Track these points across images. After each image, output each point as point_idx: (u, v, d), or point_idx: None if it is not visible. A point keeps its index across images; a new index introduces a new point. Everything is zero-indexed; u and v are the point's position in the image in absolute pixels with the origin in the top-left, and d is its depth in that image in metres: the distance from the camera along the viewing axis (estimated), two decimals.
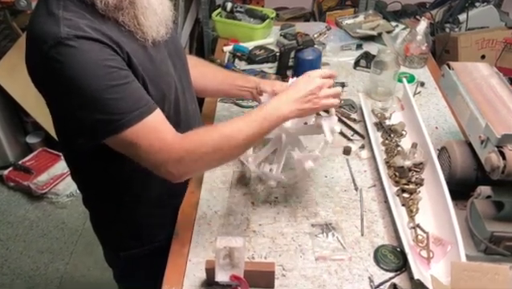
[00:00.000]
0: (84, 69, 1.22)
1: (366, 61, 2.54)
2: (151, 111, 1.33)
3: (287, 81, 2.32)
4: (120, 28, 1.34)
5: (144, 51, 1.39)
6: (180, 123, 1.61)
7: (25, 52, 1.33)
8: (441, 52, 3.88)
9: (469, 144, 1.64)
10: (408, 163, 1.78)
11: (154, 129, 1.34)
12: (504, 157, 1.41)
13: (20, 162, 3.91)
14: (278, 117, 1.47)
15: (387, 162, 1.86)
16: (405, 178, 1.76)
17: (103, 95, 1.25)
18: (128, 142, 1.32)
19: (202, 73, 1.90)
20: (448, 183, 1.61)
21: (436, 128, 2.11)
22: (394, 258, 1.51)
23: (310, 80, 1.53)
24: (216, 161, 1.47)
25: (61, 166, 3.85)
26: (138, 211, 1.66)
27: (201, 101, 2.11)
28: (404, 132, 2.01)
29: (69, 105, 1.29)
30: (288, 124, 1.70)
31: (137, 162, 1.38)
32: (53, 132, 1.45)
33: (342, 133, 2.05)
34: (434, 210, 1.64)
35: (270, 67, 2.59)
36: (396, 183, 1.77)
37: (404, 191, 1.73)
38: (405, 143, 1.94)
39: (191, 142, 1.40)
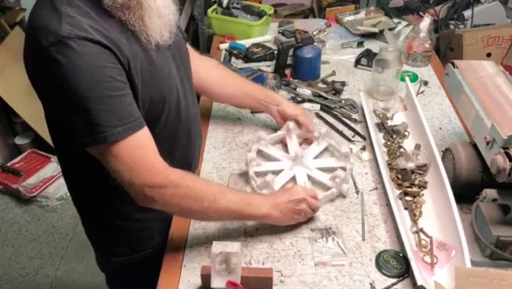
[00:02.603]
0: (80, 73, 1.23)
1: (367, 59, 2.54)
2: (137, 129, 1.35)
3: (286, 80, 2.34)
4: (123, 28, 1.35)
5: (145, 53, 1.40)
6: (180, 126, 1.62)
7: (23, 46, 1.33)
8: (445, 50, 3.88)
9: (475, 146, 1.64)
10: (410, 165, 1.78)
11: (139, 147, 1.36)
12: (510, 159, 1.41)
13: (8, 164, 3.91)
14: (258, 211, 1.53)
15: (389, 164, 1.85)
16: (408, 181, 1.76)
17: (92, 104, 1.26)
18: (110, 156, 1.34)
19: (223, 81, 1.99)
20: (452, 186, 1.61)
21: (440, 128, 2.11)
22: (396, 264, 1.51)
23: (295, 192, 1.59)
24: (188, 211, 1.48)
25: (51, 168, 3.85)
26: (128, 218, 1.65)
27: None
28: (406, 133, 2.01)
29: (59, 106, 1.31)
30: (306, 160, 1.84)
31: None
32: (43, 133, 1.45)
33: (342, 134, 2.05)
34: (438, 214, 1.64)
35: (267, 66, 2.59)
36: (399, 186, 1.77)
37: (406, 194, 1.73)
38: (408, 144, 1.94)
39: (178, 177, 1.43)
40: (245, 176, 1.84)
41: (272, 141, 1.98)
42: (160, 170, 1.39)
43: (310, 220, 1.66)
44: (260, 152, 1.93)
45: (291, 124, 1.93)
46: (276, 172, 1.80)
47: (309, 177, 1.80)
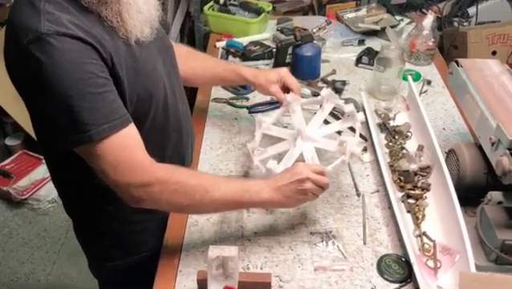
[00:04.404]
0: (61, 70, 1.23)
1: (368, 58, 2.54)
2: (122, 127, 1.34)
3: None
4: (103, 23, 1.35)
5: (128, 49, 1.40)
6: (169, 123, 1.62)
7: (3, 44, 1.33)
8: (449, 48, 3.88)
9: (479, 147, 1.64)
10: (413, 167, 1.78)
11: (124, 146, 1.35)
12: None
13: None
14: (258, 197, 1.48)
15: (391, 166, 1.85)
16: (411, 183, 1.76)
17: (75, 101, 1.26)
18: (94, 155, 1.33)
19: (193, 69, 1.94)
20: (456, 188, 1.61)
21: (444, 129, 2.11)
22: (399, 269, 1.51)
23: (296, 172, 1.51)
24: (180, 206, 1.47)
25: (42, 170, 3.83)
26: (122, 220, 1.65)
27: (192, 101, 2.11)
28: (409, 134, 2.01)
29: (42, 106, 1.30)
30: (310, 133, 1.77)
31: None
32: (34, 134, 1.45)
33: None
34: (441, 217, 1.64)
35: (266, 64, 2.59)
36: (401, 188, 1.77)
37: (409, 197, 1.73)
38: (411, 145, 1.94)
39: (165, 173, 1.42)
40: (243, 178, 1.84)
41: (274, 121, 1.91)
42: (145, 168, 1.38)
43: (309, 223, 1.66)
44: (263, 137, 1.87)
45: (290, 96, 1.85)
46: (281, 154, 1.75)
47: (318, 150, 1.74)
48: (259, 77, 1.93)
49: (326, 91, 1.85)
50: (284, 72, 1.93)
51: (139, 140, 1.40)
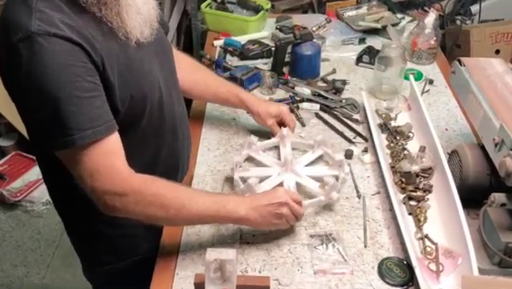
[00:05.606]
0: (49, 71, 1.23)
1: (369, 56, 2.54)
2: (106, 133, 1.34)
3: (284, 78, 2.33)
4: (99, 24, 1.34)
5: (123, 50, 1.40)
6: (165, 124, 1.62)
7: None
8: (452, 47, 3.89)
9: (482, 148, 1.64)
10: (415, 168, 1.78)
11: (105, 153, 1.35)
12: None
13: None
14: (234, 213, 1.49)
15: (392, 167, 1.85)
16: (412, 184, 1.76)
17: (61, 104, 1.26)
18: (74, 160, 1.33)
19: (195, 83, 1.97)
20: (459, 190, 1.61)
21: (447, 129, 2.11)
22: (400, 272, 1.51)
23: (276, 195, 1.54)
24: (154, 218, 1.47)
25: (36, 171, 3.83)
26: (112, 224, 1.65)
27: (189, 102, 2.11)
28: (411, 135, 2.01)
29: (27, 106, 1.31)
30: (296, 167, 1.82)
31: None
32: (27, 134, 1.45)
33: (343, 136, 2.05)
34: (444, 219, 1.64)
35: (264, 63, 2.59)
36: (403, 190, 1.77)
37: (410, 198, 1.73)
38: (412, 146, 1.94)
39: (142, 184, 1.42)
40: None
41: (264, 148, 1.96)
42: (122, 177, 1.38)
43: (309, 225, 1.66)
44: (250, 158, 1.92)
45: (285, 131, 1.92)
46: (263, 178, 1.78)
47: (298, 185, 1.77)
48: (259, 107, 1.98)
49: (319, 138, 1.92)
50: (284, 109, 2.00)
51: (120, 148, 1.40)
